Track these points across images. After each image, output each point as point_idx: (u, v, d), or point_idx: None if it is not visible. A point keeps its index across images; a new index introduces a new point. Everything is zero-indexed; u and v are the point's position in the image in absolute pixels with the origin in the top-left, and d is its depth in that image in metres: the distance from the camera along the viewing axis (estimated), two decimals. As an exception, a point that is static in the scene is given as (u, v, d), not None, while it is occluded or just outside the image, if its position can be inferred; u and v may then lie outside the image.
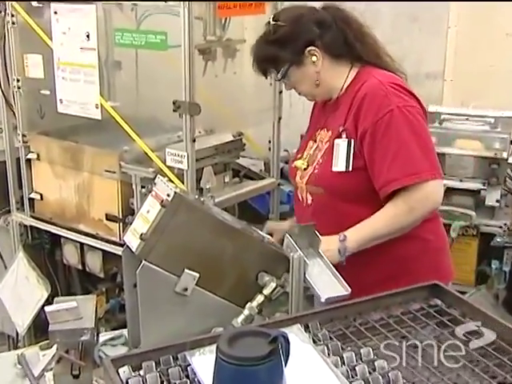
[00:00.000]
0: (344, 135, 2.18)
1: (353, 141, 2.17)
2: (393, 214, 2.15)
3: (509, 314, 3.22)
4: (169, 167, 2.80)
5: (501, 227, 3.09)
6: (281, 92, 3.19)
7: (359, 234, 2.16)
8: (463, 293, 3.05)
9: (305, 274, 1.84)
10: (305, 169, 2.33)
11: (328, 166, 2.20)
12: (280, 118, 3.28)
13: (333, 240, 2.13)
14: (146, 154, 2.86)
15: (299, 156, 2.41)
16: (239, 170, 3.34)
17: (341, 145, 2.17)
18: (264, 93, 3.17)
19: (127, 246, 1.87)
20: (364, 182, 2.18)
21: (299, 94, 2.35)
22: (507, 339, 1.56)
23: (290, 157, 3.02)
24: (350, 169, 2.17)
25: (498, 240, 3.07)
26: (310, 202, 2.31)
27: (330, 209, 2.23)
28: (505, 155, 3.10)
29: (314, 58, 2.23)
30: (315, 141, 2.36)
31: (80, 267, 3.29)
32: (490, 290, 3.17)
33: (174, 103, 2.70)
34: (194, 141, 2.76)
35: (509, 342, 1.55)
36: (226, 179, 3.17)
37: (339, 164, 2.16)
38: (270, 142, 3.32)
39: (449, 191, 3.03)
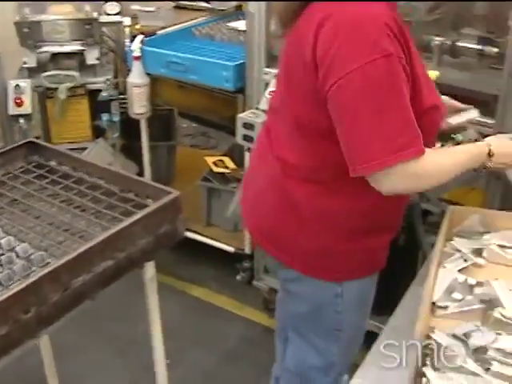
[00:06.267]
0: None
1: None
2: None
3: (126, 158, 3.62)
4: None
5: (104, 82, 3.38)
6: None
7: None
8: (85, 149, 3.40)
9: None
10: None
11: None
12: None
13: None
14: None
15: None
16: None
17: None
18: None
19: None
20: None
21: None
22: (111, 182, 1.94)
23: None
24: None
25: (104, 94, 3.37)
26: None
27: None
28: (95, 15, 3.33)
29: None
30: None
31: None
32: (107, 141, 3.51)
33: None
34: None
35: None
36: None
37: None
38: None
39: (54, 57, 3.25)
